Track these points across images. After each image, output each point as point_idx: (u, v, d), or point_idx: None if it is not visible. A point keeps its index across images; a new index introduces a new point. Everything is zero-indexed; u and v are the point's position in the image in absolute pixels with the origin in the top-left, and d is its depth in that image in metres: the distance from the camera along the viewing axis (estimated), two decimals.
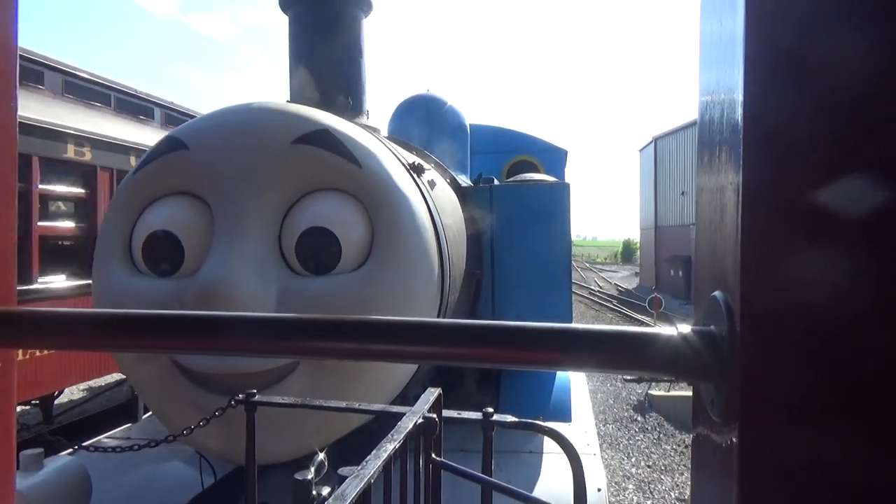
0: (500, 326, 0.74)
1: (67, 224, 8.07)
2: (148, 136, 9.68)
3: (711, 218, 0.73)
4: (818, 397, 0.59)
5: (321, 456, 1.88)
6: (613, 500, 8.51)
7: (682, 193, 33.36)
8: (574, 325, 0.74)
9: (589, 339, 0.71)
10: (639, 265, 50.32)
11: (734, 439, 0.62)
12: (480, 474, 2.15)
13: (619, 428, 11.55)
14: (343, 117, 3.44)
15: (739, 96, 0.62)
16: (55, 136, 7.60)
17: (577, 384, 5.77)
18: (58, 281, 7.66)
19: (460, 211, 4.70)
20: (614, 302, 29.64)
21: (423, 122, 6.61)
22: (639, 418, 11.97)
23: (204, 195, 3.06)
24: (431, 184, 3.87)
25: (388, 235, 3.00)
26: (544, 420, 3.08)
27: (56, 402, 8.93)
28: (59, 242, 8.02)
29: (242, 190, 2.95)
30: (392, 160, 3.25)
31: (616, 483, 9.06)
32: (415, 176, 3.47)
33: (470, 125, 7.31)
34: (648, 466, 9.74)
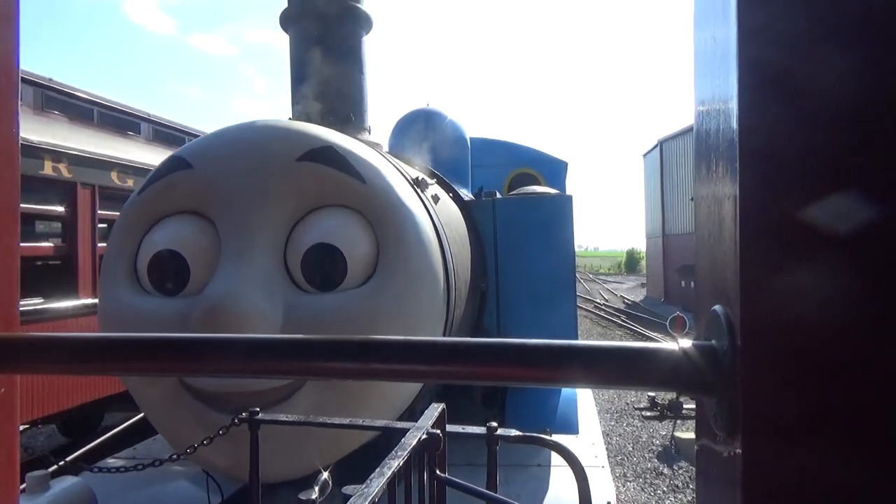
0: (503, 344, 0.74)
1: (45, 244, 7.79)
2: (134, 151, 9.49)
3: (710, 231, 0.73)
4: (819, 409, 0.59)
5: (325, 475, 1.87)
6: None
7: (692, 199, 30.99)
8: (576, 341, 0.74)
9: (591, 356, 0.71)
10: (645, 276, 47.80)
11: (737, 451, 0.62)
12: (485, 490, 2.14)
13: (644, 486, 8.80)
14: (346, 134, 3.46)
15: (734, 109, 0.63)
16: (30, 152, 7.23)
17: (583, 395, 5.74)
18: (34, 304, 7.26)
19: (464, 225, 4.71)
20: (622, 317, 27.30)
21: (424, 136, 6.64)
22: (665, 471, 9.38)
23: (209, 214, 3.08)
24: (435, 198, 3.88)
25: (394, 250, 3.01)
26: (551, 432, 3.07)
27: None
28: (36, 263, 7.78)
29: (247, 208, 2.96)
30: (396, 175, 3.26)
31: None
32: (418, 191, 3.48)
33: (470, 138, 7.34)
34: None
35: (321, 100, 4.20)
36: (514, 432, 2.44)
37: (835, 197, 0.59)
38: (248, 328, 2.69)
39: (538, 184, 7.74)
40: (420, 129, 6.83)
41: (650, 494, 8.58)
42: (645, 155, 41.16)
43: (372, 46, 4.58)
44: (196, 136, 11.25)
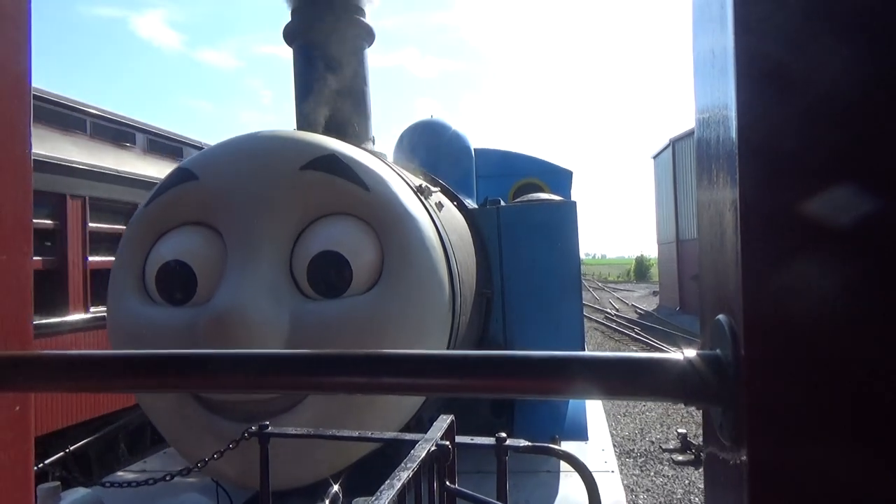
0: (505, 357, 0.75)
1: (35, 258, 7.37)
2: (129, 161, 9.25)
3: (712, 240, 0.73)
4: (825, 417, 0.59)
5: (335, 487, 1.88)
6: None
7: None
8: (581, 353, 0.75)
9: (595, 367, 0.72)
10: (656, 283, 44.83)
11: (744, 460, 0.62)
12: (495, 501, 2.14)
13: None
14: (349, 143, 3.48)
15: (733, 118, 0.63)
16: None
17: (592, 401, 5.72)
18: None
19: (468, 232, 4.72)
20: (636, 329, 24.44)
21: (428, 147, 6.66)
22: None
23: (215, 224, 3.10)
24: (439, 206, 3.89)
25: (398, 257, 3.02)
26: (560, 439, 3.06)
27: None
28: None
29: (253, 217, 2.99)
30: (399, 183, 3.28)
31: None
32: (422, 198, 3.49)
33: (475, 149, 7.35)
34: None
35: (325, 110, 4.23)
36: (523, 443, 2.44)
37: (839, 203, 0.59)
38: (255, 336, 2.71)
39: (543, 193, 7.75)
40: (424, 140, 6.85)
41: None
42: (655, 157, 38.71)
43: (374, 57, 4.62)
44: (192, 145, 11.14)
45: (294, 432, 2.50)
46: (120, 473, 4.34)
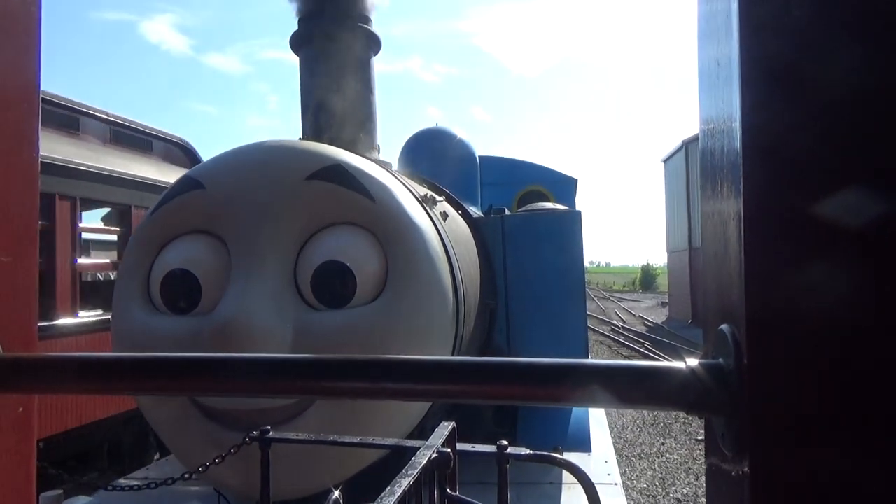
0: (508, 363, 0.75)
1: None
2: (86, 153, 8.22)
3: (716, 250, 0.73)
4: (828, 427, 0.59)
5: (336, 494, 1.88)
6: None
7: None
8: (583, 360, 0.75)
9: (598, 374, 0.72)
10: (666, 294, 41.80)
11: (746, 471, 0.62)
12: None
13: None
14: (355, 153, 3.49)
15: (737, 128, 0.64)
16: None
17: (595, 412, 5.69)
18: None
19: (473, 242, 4.72)
20: (647, 343, 22.53)
21: (434, 155, 6.68)
22: None
23: (220, 233, 3.11)
24: (444, 215, 3.90)
25: (403, 268, 3.03)
26: (563, 450, 3.04)
27: None
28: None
29: (258, 227, 3.00)
30: (404, 193, 3.29)
31: None
32: (427, 208, 3.50)
33: (479, 157, 7.37)
34: None
35: (331, 120, 4.25)
36: (524, 451, 2.43)
37: (843, 212, 0.59)
38: (259, 346, 2.71)
39: (548, 201, 7.76)
40: (430, 148, 6.87)
41: None
42: (665, 161, 36.29)
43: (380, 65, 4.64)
44: (151, 133, 10.12)
45: (296, 438, 2.49)
46: (121, 480, 4.33)
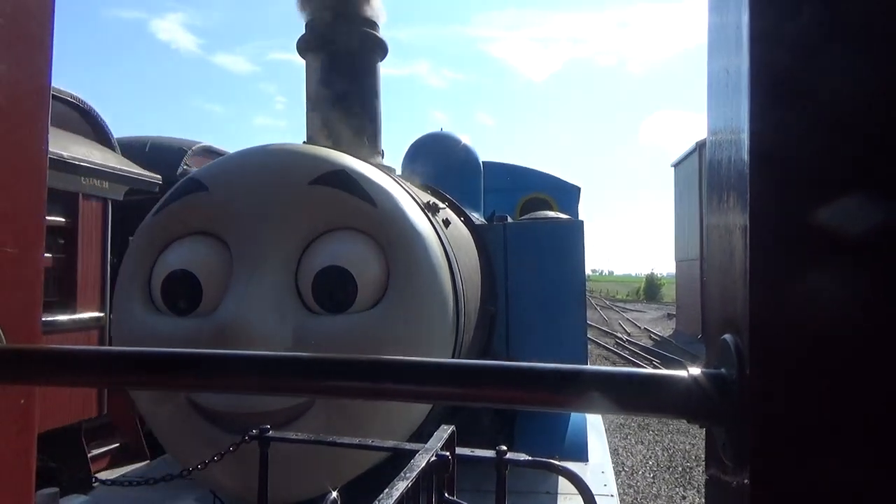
0: (512, 367, 0.75)
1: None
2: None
3: (721, 260, 0.73)
4: (831, 440, 0.59)
5: (334, 494, 1.87)
6: None
7: None
8: (584, 366, 0.75)
9: (600, 380, 0.72)
10: (672, 305, 39.50)
11: (746, 481, 0.62)
12: None
13: None
14: (359, 158, 3.50)
15: (746, 140, 0.64)
16: None
17: (592, 423, 5.68)
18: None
19: (475, 249, 4.72)
20: (657, 361, 20.73)
21: (437, 160, 6.69)
22: None
23: (223, 235, 3.12)
24: (446, 222, 3.90)
25: (404, 274, 3.03)
26: (560, 460, 3.02)
27: None
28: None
29: (261, 230, 3.00)
30: (407, 199, 3.29)
31: None
32: (429, 215, 3.50)
33: (483, 162, 7.38)
34: None
35: (336, 124, 4.26)
36: (523, 457, 2.43)
37: (848, 225, 0.59)
38: (258, 349, 2.71)
39: (550, 209, 7.76)
40: (434, 153, 6.88)
41: None
42: (675, 165, 34.08)
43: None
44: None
45: (294, 437, 2.49)
46: (119, 477, 4.32)
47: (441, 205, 4.02)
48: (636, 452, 10.68)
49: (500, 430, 5.05)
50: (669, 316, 40.27)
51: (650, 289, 76.15)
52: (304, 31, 4.46)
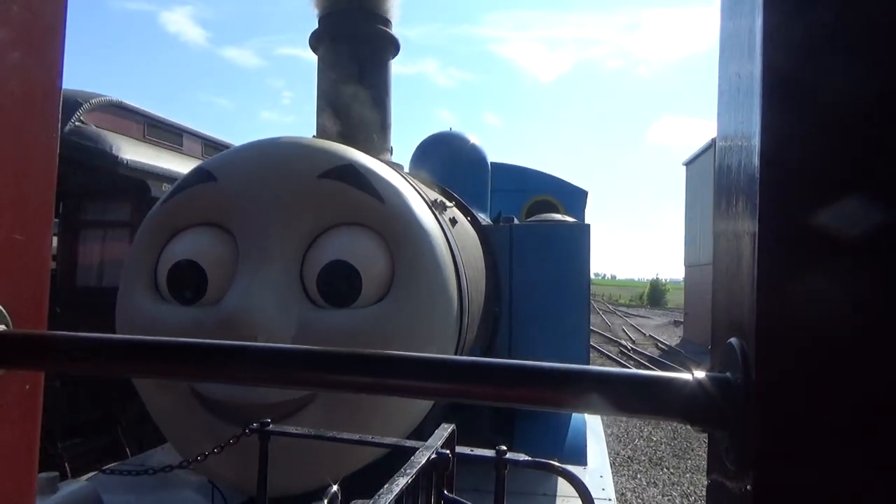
0: (514, 365, 0.75)
1: None
2: None
3: (728, 265, 0.73)
4: (836, 446, 0.59)
5: (334, 488, 1.88)
6: None
7: None
8: (587, 366, 0.75)
9: (603, 382, 0.72)
10: (677, 311, 38.02)
11: (749, 487, 0.62)
12: None
13: None
14: (368, 153, 3.50)
15: (756, 146, 0.63)
16: None
17: (592, 427, 5.68)
18: None
19: (480, 249, 4.72)
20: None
21: (446, 159, 6.70)
22: None
23: (229, 226, 3.12)
24: (453, 221, 3.90)
25: (409, 271, 3.03)
26: (560, 460, 3.02)
27: None
28: None
29: (267, 222, 3.01)
30: (415, 196, 3.29)
31: None
32: (437, 213, 3.50)
33: (491, 163, 7.38)
34: None
35: (345, 119, 4.26)
36: (523, 457, 2.43)
37: (857, 232, 0.59)
38: (261, 340, 2.72)
39: (557, 211, 7.76)
40: (442, 152, 6.89)
41: None
42: (688, 163, 32.54)
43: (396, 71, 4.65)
44: None
45: (295, 431, 2.49)
46: (119, 465, 4.34)
47: (448, 203, 4.02)
48: (648, 499, 8.42)
49: (499, 432, 5.05)
50: (676, 323, 39.44)
51: (654, 294, 75.29)
52: (316, 26, 4.47)
